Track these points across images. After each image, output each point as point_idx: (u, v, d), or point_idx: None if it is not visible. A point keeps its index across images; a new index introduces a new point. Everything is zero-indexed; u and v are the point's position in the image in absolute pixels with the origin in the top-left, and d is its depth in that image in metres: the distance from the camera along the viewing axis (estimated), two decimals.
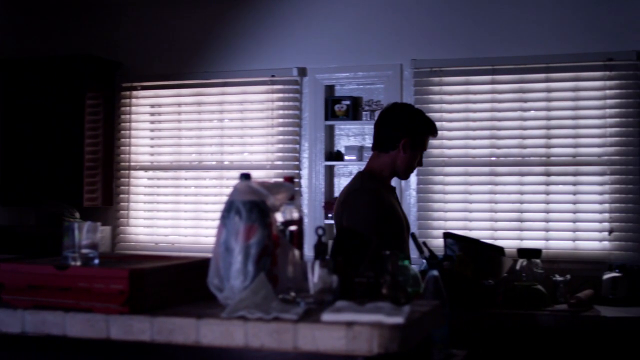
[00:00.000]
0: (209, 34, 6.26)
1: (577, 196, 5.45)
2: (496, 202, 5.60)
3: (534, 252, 5.12)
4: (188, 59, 6.30)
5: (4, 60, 6.35)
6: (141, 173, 6.42)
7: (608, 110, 5.40)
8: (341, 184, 5.98)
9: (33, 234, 6.03)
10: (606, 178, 5.39)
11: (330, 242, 2.75)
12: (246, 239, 2.18)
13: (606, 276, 5.04)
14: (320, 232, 2.38)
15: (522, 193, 5.56)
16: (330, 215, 5.78)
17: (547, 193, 5.51)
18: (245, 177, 2.28)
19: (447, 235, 4.96)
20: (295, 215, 2.40)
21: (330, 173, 6.01)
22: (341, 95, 5.95)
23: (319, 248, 2.34)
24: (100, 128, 6.30)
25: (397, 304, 2.16)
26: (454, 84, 5.73)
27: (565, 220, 5.47)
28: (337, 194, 5.93)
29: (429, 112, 4.19)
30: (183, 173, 6.32)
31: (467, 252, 4.73)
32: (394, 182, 4.19)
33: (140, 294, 2.17)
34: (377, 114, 5.75)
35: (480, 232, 5.50)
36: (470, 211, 5.65)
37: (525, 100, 5.60)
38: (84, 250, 2.33)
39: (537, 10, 5.56)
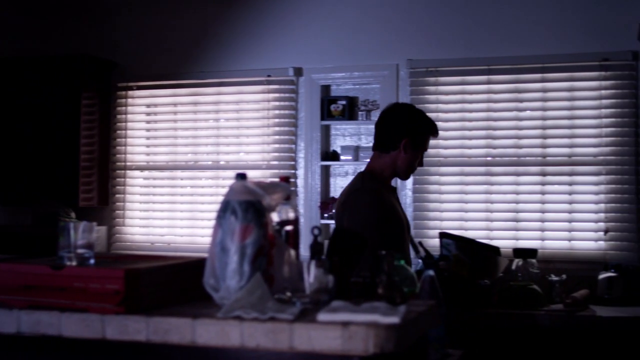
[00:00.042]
0: (205, 34, 6.26)
1: (572, 196, 5.46)
2: (492, 202, 5.61)
3: (530, 252, 5.13)
4: (184, 59, 6.30)
5: None
6: (137, 173, 6.42)
7: (604, 111, 5.41)
8: (337, 183, 5.98)
9: (29, 234, 6.03)
10: (602, 178, 5.40)
11: (326, 242, 2.75)
12: (242, 239, 2.18)
13: (602, 276, 5.05)
14: (316, 232, 2.38)
15: (517, 193, 5.57)
16: (326, 215, 5.78)
17: (543, 193, 5.52)
18: (241, 177, 2.28)
19: (443, 235, 4.98)
20: (291, 215, 2.40)
21: (326, 173, 6.00)
22: (337, 95, 5.95)
23: (315, 248, 2.34)
24: (96, 128, 6.30)
25: (393, 304, 2.16)
26: (449, 84, 5.73)
27: (561, 220, 5.48)
28: (333, 193, 5.94)
29: (424, 112, 4.18)
30: (179, 173, 6.31)
31: (463, 252, 4.74)
32: (394, 182, 4.19)
33: (136, 294, 2.17)
34: (373, 114, 5.79)
35: (476, 232, 5.51)
36: (466, 211, 5.65)
37: (521, 100, 5.60)
38: (80, 250, 2.33)
39: (532, 10, 5.57)
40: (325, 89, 6.01)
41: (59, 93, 6.13)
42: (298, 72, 6.01)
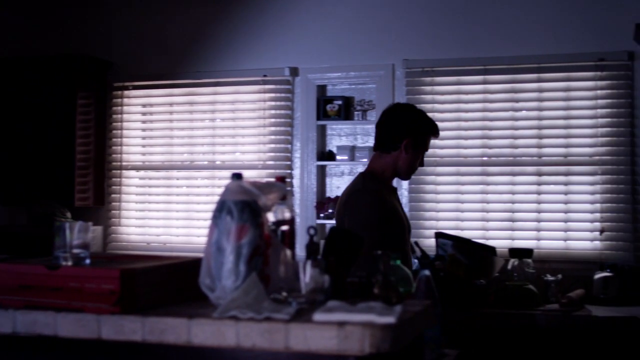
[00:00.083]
0: (201, 34, 6.25)
1: (568, 196, 5.47)
2: (488, 202, 5.61)
3: (526, 252, 5.13)
4: (180, 58, 6.30)
5: None
6: (133, 173, 6.41)
7: (599, 111, 5.42)
8: (333, 183, 5.99)
9: (25, 234, 6.01)
10: (597, 178, 5.41)
11: (322, 242, 2.75)
12: (238, 239, 2.18)
13: (597, 276, 5.05)
14: (311, 231, 2.38)
15: (513, 193, 5.57)
16: (322, 215, 5.78)
17: (539, 193, 5.52)
18: (237, 176, 2.28)
19: (439, 235, 4.98)
20: (287, 215, 2.40)
21: (322, 173, 6.00)
22: (333, 95, 5.95)
23: (311, 248, 2.33)
24: (92, 128, 6.29)
25: (388, 304, 2.16)
26: (445, 84, 5.73)
27: (557, 220, 5.48)
28: (329, 193, 5.94)
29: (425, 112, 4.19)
30: (175, 173, 6.31)
31: (459, 251, 4.74)
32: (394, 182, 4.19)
33: (132, 294, 2.17)
34: (369, 114, 5.79)
35: (472, 232, 5.51)
36: (462, 211, 5.66)
37: (517, 100, 5.61)
38: (75, 250, 2.32)
39: (528, 10, 5.57)
40: (321, 89, 6.01)
41: (55, 93, 6.13)
42: (294, 72, 6.01)
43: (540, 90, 5.55)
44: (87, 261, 2.34)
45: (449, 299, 4.31)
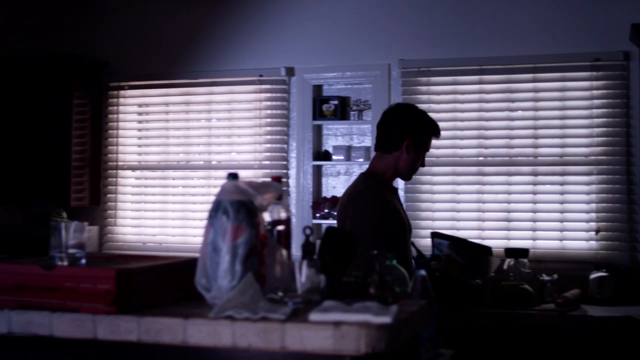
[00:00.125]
0: (197, 34, 6.25)
1: (564, 196, 5.47)
2: (484, 202, 5.61)
3: (522, 252, 5.14)
4: (176, 58, 6.29)
5: None
6: (129, 173, 6.41)
7: (595, 111, 5.42)
8: (329, 183, 5.99)
9: (20, 234, 6.01)
10: (593, 178, 5.41)
11: (317, 242, 2.75)
12: (234, 239, 2.18)
13: (593, 276, 5.06)
14: (307, 231, 2.38)
15: (509, 193, 5.58)
16: (318, 215, 5.78)
17: (535, 193, 5.52)
18: (233, 176, 2.28)
19: (435, 235, 4.98)
20: (283, 215, 2.40)
21: (318, 173, 6.00)
22: (329, 95, 5.95)
23: (307, 248, 2.34)
24: (88, 128, 6.28)
25: (384, 304, 2.16)
26: (441, 83, 5.74)
27: (553, 220, 5.48)
28: (325, 193, 5.94)
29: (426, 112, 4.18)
30: (171, 173, 6.30)
31: (455, 251, 4.75)
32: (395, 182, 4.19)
33: (127, 294, 2.17)
34: (365, 114, 5.79)
35: (468, 232, 5.51)
36: (458, 211, 5.66)
37: (513, 100, 5.61)
38: (71, 250, 2.32)
39: (524, 10, 5.58)
40: (317, 88, 6.01)
41: (51, 92, 6.12)
42: (290, 72, 6.01)
43: (536, 90, 5.55)
44: (83, 261, 2.34)
45: (445, 298, 4.31)
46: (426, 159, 5.50)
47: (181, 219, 6.25)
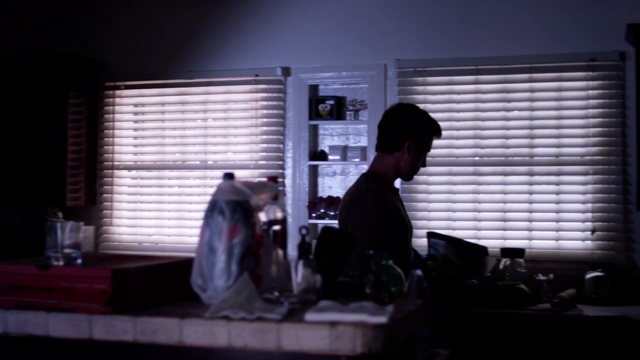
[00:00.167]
0: (193, 34, 6.25)
1: (560, 196, 5.47)
2: (480, 202, 5.61)
3: (517, 252, 5.14)
4: (172, 58, 6.29)
5: None
6: (124, 172, 6.40)
7: (591, 111, 5.43)
8: (325, 183, 5.99)
9: (16, 234, 6.00)
10: (589, 178, 5.41)
11: (314, 242, 2.75)
12: (230, 239, 2.18)
13: (589, 275, 5.06)
14: (303, 231, 2.38)
15: (505, 193, 5.58)
16: (314, 215, 5.78)
17: (531, 193, 5.53)
18: (229, 176, 2.27)
19: (431, 235, 4.98)
20: (279, 214, 2.40)
21: (314, 173, 6.00)
22: (325, 95, 5.95)
23: (303, 248, 2.34)
24: (84, 127, 6.28)
25: (380, 304, 2.16)
26: (437, 83, 5.74)
27: (549, 220, 5.49)
28: (321, 193, 5.94)
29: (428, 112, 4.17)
30: (167, 173, 6.30)
31: (451, 251, 4.75)
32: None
33: (123, 294, 2.17)
34: (361, 113, 5.79)
35: (464, 232, 5.51)
36: (454, 211, 5.66)
37: (509, 100, 5.61)
38: (67, 250, 2.32)
39: (520, 10, 5.58)
40: (313, 88, 6.01)
41: (47, 92, 6.11)
42: (286, 71, 6.01)
43: (532, 91, 5.56)
44: (79, 261, 2.33)
45: (441, 298, 4.31)
46: None
47: (177, 218, 6.24)
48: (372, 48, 5.83)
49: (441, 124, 5.51)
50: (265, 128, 6.07)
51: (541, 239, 5.49)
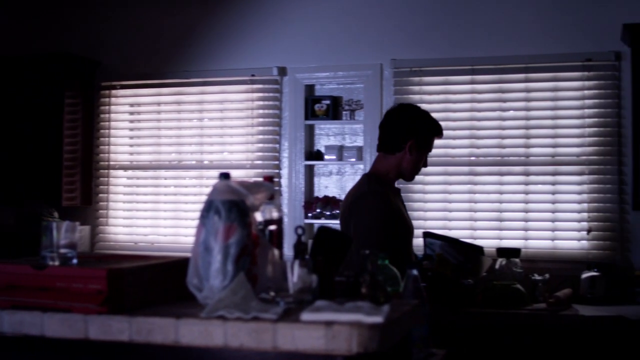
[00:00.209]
0: (189, 33, 6.24)
1: (555, 196, 5.48)
2: (475, 202, 5.62)
3: (513, 252, 5.15)
4: (168, 58, 6.28)
5: None
6: (120, 172, 6.40)
7: (587, 111, 5.43)
8: (321, 183, 5.98)
9: (12, 234, 5.99)
10: (584, 178, 5.42)
11: (309, 242, 2.75)
12: (225, 239, 2.18)
13: (584, 275, 5.07)
14: (299, 231, 2.38)
15: (501, 193, 5.58)
16: (310, 214, 5.77)
17: (526, 193, 5.53)
18: (225, 176, 2.27)
19: (426, 235, 4.98)
20: (275, 214, 2.40)
21: (310, 172, 6.00)
22: (321, 95, 5.95)
23: (299, 247, 2.33)
24: (79, 127, 6.27)
25: (376, 304, 2.16)
26: (433, 83, 5.74)
27: (544, 220, 5.49)
28: (317, 193, 5.94)
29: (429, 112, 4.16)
30: (163, 172, 6.29)
31: (447, 251, 4.75)
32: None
33: (119, 294, 2.17)
34: (357, 113, 5.79)
35: (459, 232, 5.52)
36: (450, 210, 5.66)
37: (505, 100, 5.61)
38: (63, 250, 2.32)
39: (516, 10, 5.58)
40: (309, 88, 6.01)
41: (42, 92, 6.10)
42: (282, 71, 6.00)
43: (528, 90, 5.56)
44: (74, 261, 2.33)
45: (437, 298, 4.32)
46: None
47: (173, 218, 6.24)
48: (368, 48, 5.83)
49: None
50: (261, 128, 6.06)
51: (537, 239, 5.49)
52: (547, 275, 5.02)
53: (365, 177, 4.03)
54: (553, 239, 5.46)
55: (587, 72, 5.41)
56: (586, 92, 5.43)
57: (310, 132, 6.00)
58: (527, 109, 5.55)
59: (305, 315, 2.02)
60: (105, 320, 2.13)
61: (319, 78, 5.94)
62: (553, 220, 5.47)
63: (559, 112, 5.50)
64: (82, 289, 2.16)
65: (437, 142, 5.52)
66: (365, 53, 5.83)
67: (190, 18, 6.25)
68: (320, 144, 6.00)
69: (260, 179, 2.48)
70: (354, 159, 5.78)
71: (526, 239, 5.49)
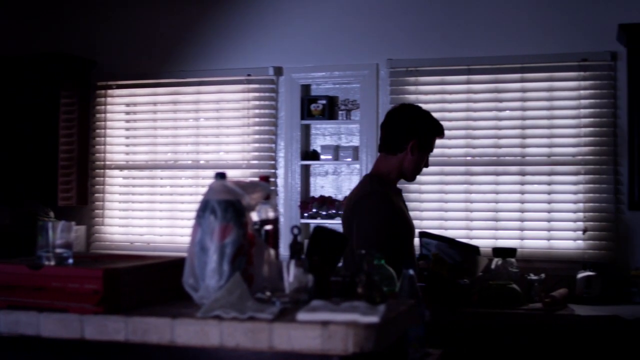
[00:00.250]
0: (185, 33, 6.24)
1: (551, 196, 5.48)
2: (472, 202, 5.62)
3: (509, 251, 5.15)
4: (164, 58, 6.28)
5: None
6: (116, 172, 6.39)
7: (582, 111, 5.44)
8: (317, 183, 5.98)
9: (7, 234, 5.98)
10: (580, 178, 5.42)
11: (305, 242, 2.75)
12: (221, 239, 2.18)
13: (580, 275, 5.07)
14: (295, 231, 2.38)
15: (497, 192, 5.59)
16: (306, 214, 5.77)
17: (522, 192, 5.53)
18: (221, 176, 2.27)
19: (423, 235, 4.99)
20: (271, 214, 2.40)
21: (306, 172, 6.00)
22: (317, 95, 5.94)
23: (295, 247, 2.33)
24: (75, 127, 6.26)
25: (372, 303, 2.16)
26: (429, 83, 5.74)
27: (540, 220, 5.50)
28: (313, 193, 5.94)
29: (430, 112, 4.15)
30: (158, 172, 6.29)
31: (443, 251, 4.75)
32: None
33: (115, 294, 2.16)
34: (353, 113, 5.78)
35: (455, 232, 5.52)
36: (446, 210, 5.66)
37: (501, 100, 5.62)
38: (58, 250, 2.31)
39: (512, 10, 5.59)
40: (305, 88, 6.01)
41: (38, 92, 6.09)
42: (278, 71, 6.00)
43: (524, 90, 5.56)
44: (70, 261, 2.33)
45: (433, 298, 4.32)
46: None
47: (169, 218, 6.24)
48: (364, 48, 5.83)
49: None
50: (257, 128, 6.06)
51: (533, 239, 5.49)
52: (542, 275, 5.02)
53: (368, 178, 4.02)
54: (549, 239, 5.46)
55: (583, 72, 5.42)
56: (582, 92, 5.44)
57: (306, 132, 6.00)
58: (523, 109, 5.56)
59: (301, 315, 2.02)
60: (101, 320, 2.13)
61: (315, 78, 5.94)
62: (549, 220, 5.48)
63: (554, 112, 5.50)
64: (78, 289, 2.16)
65: None
66: (362, 53, 5.83)
67: (186, 18, 6.25)
68: (316, 144, 6.00)
69: (256, 179, 2.48)
70: (350, 159, 5.78)
71: (522, 238, 5.50)
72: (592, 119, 5.42)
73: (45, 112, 6.08)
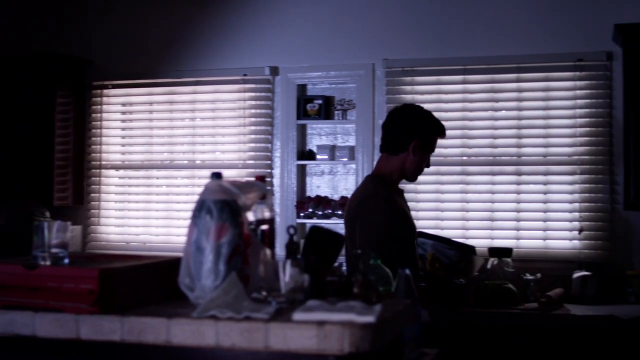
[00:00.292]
0: (181, 33, 6.23)
1: (547, 195, 5.48)
2: (467, 202, 5.62)
3: (505, 251, 5.15)
4: (160, 57, 6.27)
5: None
6: (112, 172, 6.38)
7: (578, 111, 5.44)
8: (313, 183, 5.98)
9: (3, 233, 5.98)
10: (576, 178, 5.43)
11: (301, 242, 2.75)
12: (217, 238, 2.18)
13: (576, 275, 5.07)
14: (291, 231, 2.38)
15: (493, 192, 5.59)
16: (302, 214, 5.77)
17: (518, 192, 5.53)
18: (217, 176, 2.27)
19: (419, 234, 4.98)
20: (267, 214, 2.40)
21: (302, 172, 6.00)
22: (313, 95, 5.94)
23: (291, 247, 2.34)
24: (71, 127, 6.26)
25: (368, 303, 2.16)
26: (425, 83, 5.74)
27: (536, 220, 5.50)
28: (309, 193, 5.94)
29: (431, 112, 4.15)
30: (154, 172, 6.28)
31: (439, 251, 4.75)
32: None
33: (111, 294, 2.16)
34: (349, 113, 5.78)
35: (451, 231, 5.52)
36: (442, 210, 5.66)
37: (497, 100, 5.62)
38: (54, 250, 2.31)
39: (508, 10, 5.59)
40: (302, 88, 6.01)
41: (33, 92, 6.08)
42: (274, 71, 6.00)
43: (520, 90, 5.56)
44: (66, 261, 2.33)
45: (429, 298, 4.32)
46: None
47: (165, 218, 6.23)
48: (360, 48, 5.83)
49: None
50: (253, 127, 6.06)
51: (529, 239, 5.49)
52: (538, 275, 5.03)
53: (370, 179, 4.02)
54: (545, 239, 5.47)
55: (579, 72, 5.42)
56: (578, 92, 5.44)
57: (302, 132, 6.00)
58: (519, 109, 5.56)
59: (297, 315, 2.02)
60: (96, 320, 2.13)
61: (311, 78, 5.94)
62: (545, 220, 5.48)
63: (550, 112, 5.51)
64: (73, 289, 2.16)
65: None
66: (358, 53, 5.83)
67: (181, 18, 6.24)
68: (313, 144, 6.00)
69: (252, 179, 2.48)
70: (346, 159, 5.78)
71: (518, 238, 5.50)
72: (588, 119, 5.42)
73: (41, 112, 6.07)
